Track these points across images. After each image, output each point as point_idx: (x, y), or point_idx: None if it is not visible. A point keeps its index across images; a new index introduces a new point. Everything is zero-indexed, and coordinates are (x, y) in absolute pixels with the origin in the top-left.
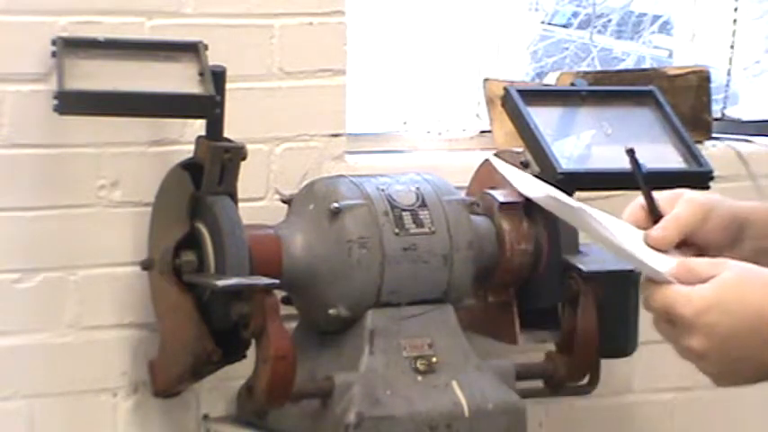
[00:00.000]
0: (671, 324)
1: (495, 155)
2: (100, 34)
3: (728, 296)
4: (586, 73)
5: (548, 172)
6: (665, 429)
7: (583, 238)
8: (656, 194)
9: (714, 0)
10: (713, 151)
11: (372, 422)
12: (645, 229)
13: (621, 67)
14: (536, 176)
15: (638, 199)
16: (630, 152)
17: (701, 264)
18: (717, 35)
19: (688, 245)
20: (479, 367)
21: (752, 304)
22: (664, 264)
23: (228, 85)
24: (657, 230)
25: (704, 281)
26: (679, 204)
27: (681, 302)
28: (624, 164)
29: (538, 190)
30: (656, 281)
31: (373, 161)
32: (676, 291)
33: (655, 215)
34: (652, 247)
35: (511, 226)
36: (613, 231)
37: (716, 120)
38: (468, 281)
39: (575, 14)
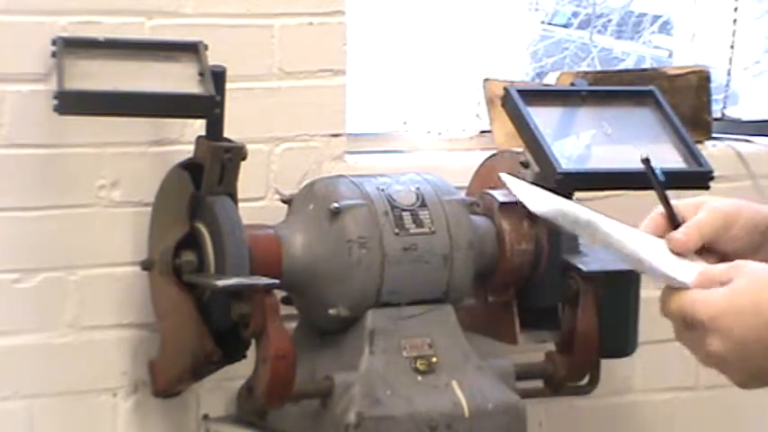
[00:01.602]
0: (689, 329)
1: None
2: (100, 34)
3: (743, 301)
4: (586, 73)
5: (548, 172)
6: (665, 429)
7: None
8: (678, 202)
9: (714, 0)
10: (713, 151)
11: (372, 422)
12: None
13: (621, 67)
14: (539, 185)
15: (657, 207)
16: (646, 161)
17: (718, 268)
18: (717, 35)
19: (710, 251)
20: (479, 367)
21: (766, 311)
22: (683, 273)
23: (228, 85)
24: (679, 234)
25: (721, 285)
26: (702, 210)
27: (697, 306)
28: (623, 164)
29: (546, 204)
30: (673, 287)
31: (373, 161)
32: (691, 294)
33: (674, 222)
34: (674, 252)
35: (511, 226)
36: (627, 241)
37: (716, 120)
38: (468, 281)
39: (575, 14)
